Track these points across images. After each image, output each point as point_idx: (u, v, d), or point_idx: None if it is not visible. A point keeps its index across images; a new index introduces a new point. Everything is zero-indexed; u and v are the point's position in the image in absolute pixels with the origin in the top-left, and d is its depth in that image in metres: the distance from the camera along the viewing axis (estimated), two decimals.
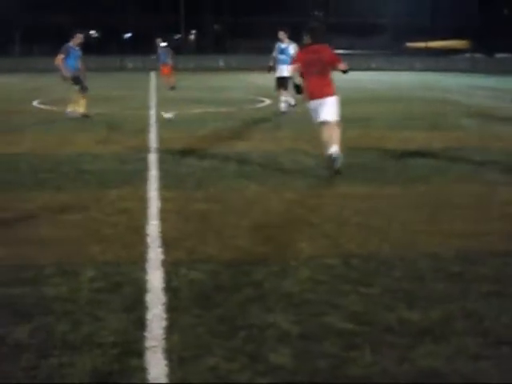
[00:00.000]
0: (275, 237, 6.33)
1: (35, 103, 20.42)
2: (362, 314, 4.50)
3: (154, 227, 6.55)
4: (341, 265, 5.51)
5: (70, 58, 15.82)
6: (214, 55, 53.14)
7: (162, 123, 15.06)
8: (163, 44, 27.63)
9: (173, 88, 26.00)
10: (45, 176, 9.11)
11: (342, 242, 6.13)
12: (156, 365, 3.78)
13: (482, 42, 56.28)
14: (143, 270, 5.31)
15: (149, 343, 4.03)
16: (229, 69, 46.04)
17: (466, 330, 4.27)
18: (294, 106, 17.75)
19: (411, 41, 60.85)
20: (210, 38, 61.84)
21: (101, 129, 14.19)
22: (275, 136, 13.19)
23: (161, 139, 12.53)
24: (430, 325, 4.33)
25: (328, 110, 9.32)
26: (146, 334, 4.16)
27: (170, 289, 4.91)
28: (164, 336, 4.12)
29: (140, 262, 5.52)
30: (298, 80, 9.49)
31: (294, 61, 10.00)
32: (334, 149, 9.08)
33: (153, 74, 35.60)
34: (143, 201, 7.65)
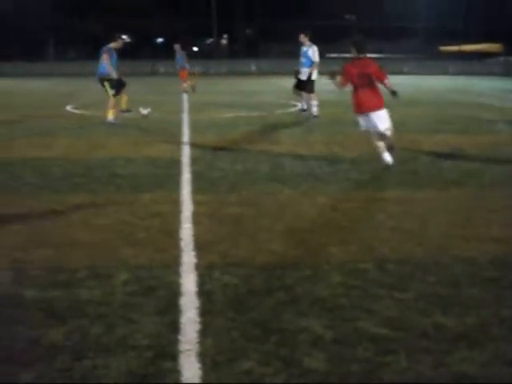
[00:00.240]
0: (308, 241, 6.31)
1: (68, 108, 20.62)
2: (396, 319, 4.47)
3: (187, 231, 6.56)
4: (374, 269, 5.47)
5: (112, 59, 15.86)
6: (245, 59, 53.30)
7: (194, 127, 15.12)
8: (180, 49, 27.79)
9: (187, 92, 26.48)
10: (78, 180, 9.18)
11: (376, 246, 6.09)
12: (190, 368, 3.79)
13: None
14: (177, 274, 5.32)
15: (183, 346, 4.04)
16: (260, 73, 46.12)
17: (501, 335, 4.22)
18: (304, 110, 17.73)
19: (444, 44, 60.46)
20: (241, 43, 62.03)
21: (133, 133, 14.29)
22: (307, 140, 13.17)
23: (193, 143, 12.58)
24: (465, 330, 4.28)
25: (382, 123, 9.81)
26: (180, 337, 4.17)
27: (203, 292, 4.91)
28: (198, 339, 4.12)
29: (173, 265, 5.53)
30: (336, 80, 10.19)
31: (342, 75, 10.19)
32: (389, 158, 9.84)
33: None
34: (176, 204, 7.68)
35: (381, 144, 9.95)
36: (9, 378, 3.72)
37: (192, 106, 20.97)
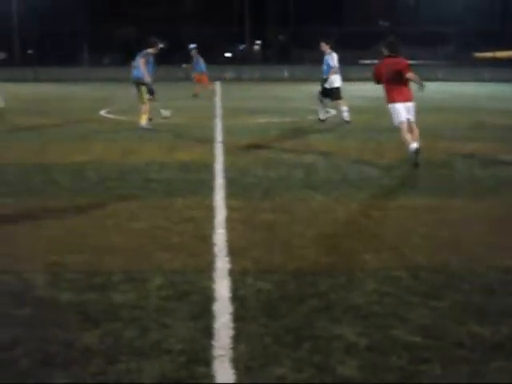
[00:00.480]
0: (340, 247, 6.30)
1: (102, 112, 20.79)
2: (430, 327, 4.44)
3: (220, 236, 6.58)
4: (408, 277, 5.44)
5: (149, 65, 15.95)
6: (278, 65, 53.26)
7: (227, 132, 15.16)
8: (197, 53, 28.24)
9: (196, 96, 27.13)
10: (113, 184, 9.25)
11: (409, 254, 6.05)
12: (223, 373, 3.80)
13: None
14: (210, 279, 5.34)
15: (216, 352, 4.05)
16: (293, 79, 46.07)
17: None
18: (323, 120, 17.68)
19: (478, 50, 59.92)
20: (274, 49, 62.07)
21: (167, 138, 14.36)
22: (340, 146, 13.13)
23: (226, 148, 12.62)
24: (501, 340, 4.24)
25: (410, 111, 10.86)
26: (214, 342, 4.18)
27: (236, 298, 4.93)
28: (231, 345, 4.14)
29: (207, 270, 5.55)
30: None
31: (376, 70, 11.29)
32: (416, 144, 10.42)
33: (218, 84, 35.92)
34: (209, 210, 7.71)
35: (409, 136, 10.60)
36: (44, 381, 3.76)
37: (225, 111, 21.04)
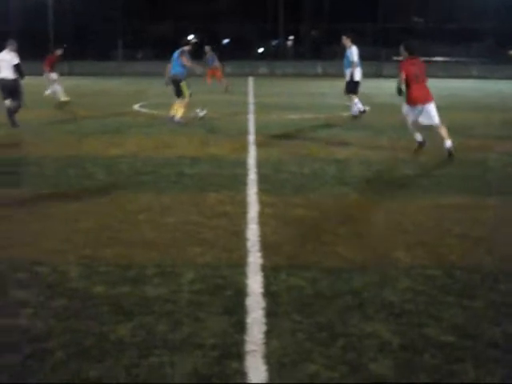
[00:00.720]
0: (374, 245, 6.26)
1: (136, 107, 20.90)
2: (464, 327, 4.40)
3: (253, 231, 6.58)
4: (442, 276, 5.39)
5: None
6: (311, 61, 53.02)
7: (260, 128, 15.14)
8: (210, 50, 28.93)
9: (227, 90, 27.56)
10: (146, 178, 9.31)
11: (443, 253, 6.00)
12: (256, 369, 3.80)
13: None
14: (243, 274, 5.34)
15: (248, 347, 4.05)
16: (326, 75, 45.86)
17: None
18: (364, 111, 17.54)
19: None
20: (307, 44, 61.84)
21: (200, 133, 14.39)
22: (373, 143, 13.05)
23: (259, 144, 12.61)
24: None
25: (431, 115, 11.11)
26: (246, 337, 4.18)
27: (269, 293, 4.92)
28: (264, 340, 4.13)
29: (240, 265, 5.56)
30: (402, 86, 11.22)
31: (400, 71, 11.29)
32: (449, 143, 10.97)
33: (250, 79, 35.94)
34: (242, 205, 7.71)
35: (417, 134, 11.50)
36: (78, 373, 3.78)
37: (257, 106, 21.02)
